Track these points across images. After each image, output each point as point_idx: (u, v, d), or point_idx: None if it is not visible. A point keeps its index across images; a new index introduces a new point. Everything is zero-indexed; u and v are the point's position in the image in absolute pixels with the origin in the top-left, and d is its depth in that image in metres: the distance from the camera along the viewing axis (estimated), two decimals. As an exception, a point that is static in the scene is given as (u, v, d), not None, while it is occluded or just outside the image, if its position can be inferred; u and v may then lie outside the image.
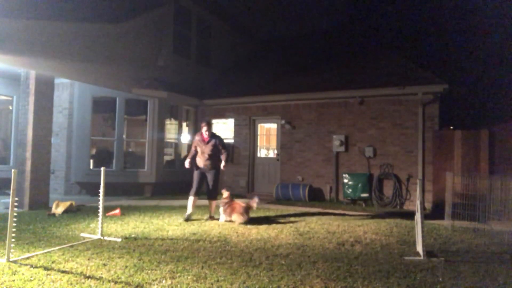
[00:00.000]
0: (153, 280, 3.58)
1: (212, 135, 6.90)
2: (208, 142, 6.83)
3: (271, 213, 7.72)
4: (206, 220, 6.84)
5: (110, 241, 5.07)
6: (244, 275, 3.79)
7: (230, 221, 6.58)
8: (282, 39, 14.84)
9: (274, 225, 6.46)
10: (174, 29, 11.03)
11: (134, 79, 10.11)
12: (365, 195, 9.28)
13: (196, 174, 6.94)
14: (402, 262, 4.33)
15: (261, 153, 11.82)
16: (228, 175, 11.52)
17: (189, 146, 12.13)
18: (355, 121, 9.85)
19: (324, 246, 5.04)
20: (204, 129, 6.81)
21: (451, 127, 10.41)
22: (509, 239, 5.51)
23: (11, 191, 4.15)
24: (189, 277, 3.68)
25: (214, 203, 6.96)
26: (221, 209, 6.74)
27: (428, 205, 8.71)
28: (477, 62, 18.25)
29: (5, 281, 3.51)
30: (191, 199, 6.81)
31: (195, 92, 11.69)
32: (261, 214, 7.62)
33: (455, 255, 4.71)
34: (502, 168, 7.37)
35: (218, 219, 6.78)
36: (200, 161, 6.91)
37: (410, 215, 7.67)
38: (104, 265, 4.02)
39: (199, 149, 6.90)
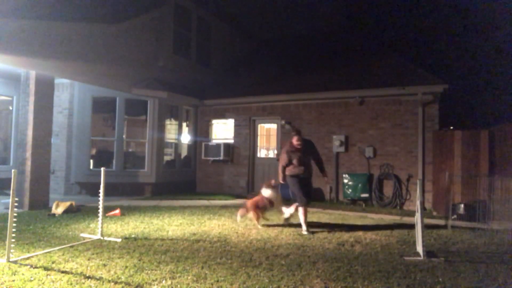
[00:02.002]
0: (153, 281, 3.58)
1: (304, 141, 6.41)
2: (305, 148, 6.38)
3: (271, 213, 7.71)
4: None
5: (110, 241, 5.07)
6: (244, 275, 3.79)
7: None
8: (282, 39, 14.83)
9: (274, 225, 6.46)
10: (174, 29, 11.02)
11: (134, 79, 10.11)
12: (365, 195, 9.28)
13: (297, 181, 6.30)
14: (402, 262, 4.33)
15: (261, 153, 11.82)
16: (228, 175, 11.52)
17: (190, 146, 12.16)
18: (355, 121, 9.85)
19: (324, 246, 5.04)
20: (295, 138, 6.28)
21: (451, 127, 10.40)
22: (509, 239, 5.51)
23: (11, 191, 4.15)
24: (189, 277, 3.68)
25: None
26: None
27: (428, 205, 8.71)
28: (477, 62, 18.26)
29: (5, 281, 3.51)
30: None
31: (195, 92, 11.69)
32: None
33: (455, 255, 4.71)
34: (502, 168, 7.36)
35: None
36: (299, 169, 6.29)
37: (410, 215, 7.68)
38: (104, 265, 4.02)
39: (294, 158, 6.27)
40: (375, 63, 10.61)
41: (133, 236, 5.41)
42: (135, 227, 6.06)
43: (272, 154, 11.88)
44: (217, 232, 5.82)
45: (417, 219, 4.81)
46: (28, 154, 7.71)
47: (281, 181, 6.42)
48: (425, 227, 5.53)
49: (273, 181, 6.66)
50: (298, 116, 10.61)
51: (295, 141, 6.29)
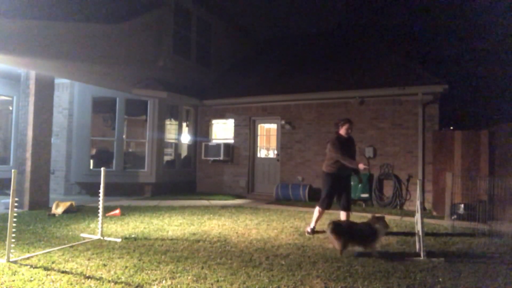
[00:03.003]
0: (153, 281, 3.58)
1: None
2: (351, 142, 5.85)
3: (271, 214, 7.72)
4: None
5: (110, 241, 5.07)
6: (244, 275, 3.79)
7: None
8: (282, 39, 14.84)
9: (274, 225, 6.46)
10: (174, 29, 11.02)
11: (134, 79, 10.11)
12: (365, 195, 9.28)
13: (333, 181, 5.73)
14: (402, 262, 4.33)
15: (261, 153, 11.82)
16: (228, 175, 11.52)
17: (190, 146, 12.16)
18: (355, 121, 9.76)
19: (324, 246, 5.04)
20: (346, 126, 5.68)
21: (451, 128, 10.41)
22: (509, 240, 5.51)
23: (11, 191, 4.15)
24: (189, 278, 3.68)
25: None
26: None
27: (428, 205, 8.71)
28: (477, 62, 18.26)
29: (5, 281, 3.51)
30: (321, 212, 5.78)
31: (195, 92, 11.69)
32: (261, 214, 7.62)
33: (455, 255, 4.70)
34: (502, 168, 7.36)
35: None
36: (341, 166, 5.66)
37: (410, 215, 7.68)
38: (104, 265, 4.02)
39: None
40: (375, 63, 10.61)
41: (133, 236, 5.41)
42: (135, 227, 6.06)
43: (272, 154, 11.88)
44: (217, 232, 5.82)
45: (417, 219, 4.81)
46: (28, 154, 7.71)
47: (362, 167, 5.36)
48: (425, 227, 5.53)
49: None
50: (298, 116, 10.62)
51: (345, 129, 5.61)
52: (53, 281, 3.52)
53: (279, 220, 6.93)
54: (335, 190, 5.76)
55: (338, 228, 4.66)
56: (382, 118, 9.53)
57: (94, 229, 5.72)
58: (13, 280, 3.53)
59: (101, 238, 5.18)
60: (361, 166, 5.41)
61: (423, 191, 8.57)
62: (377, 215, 4.90)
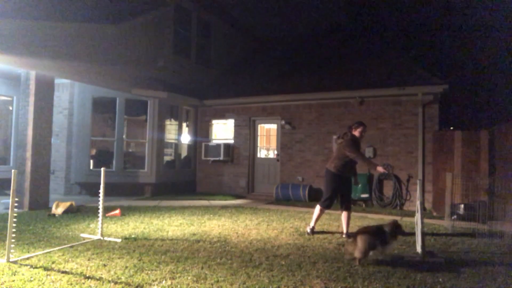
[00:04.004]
0: (153, 281, 3.58)
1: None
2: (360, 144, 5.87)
3: (271, 214, 7.72)
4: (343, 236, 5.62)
5: (110, 241, 5.07)
6: (244, 275, 3.79)
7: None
8: (282, 39, 14.84)
9: (274, 225, 6.46)
10: (174, 30, 11.03)
11: (134, 79, 10.11)
12: (365, 195, 9.28)
13: (339, 182, 5.69)
14: (402, 262, 4.33)
15: (261, 153, 11.82)
16: (228, 175, 11.52)
17: (190, 147, 12.15)
18: (355, 121, 9.82)
19: (324, 246, 5.04)
20: (360, 128, 5.74)
21: (451, 128, 10.40)
22: (509, 240, 5.51)
23: (11, 192, 4.15)
24: (189, 278, 3.68)
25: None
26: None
27: (428, 206, 8.71)
28: (477, 62, 18.26)
29: (5, 281, 3.51)
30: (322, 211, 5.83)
31: (195, 92, 11.69)
32: (261, 214, 7.62)
33: (455, 255, 4.71)
34: (502, 168, 7.36)
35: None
36: (352, 167, 5.77)
37: (410, 216, 7.68)
38: (104, 265, 4.02)
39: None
40: (375, 63, 10.61)
41: (133, 236, 5.41)
42: (135, 227, 6.06)
43: (272, 154, 11.88)
44: (217, 232, 5.82)
45: (417, 219, 4.80)
46: (28, 154, 7.72)
47: (381, 169, 5.43)
48: (425, 227, 5.53)
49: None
50: (298, 116, 10.62)
51: (359, 131, 5.68)
52: (53, 281, 3.52)
53: (279, 220, 6.93)
54: (339, 191, 5.80)
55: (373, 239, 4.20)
56: (382, 118, 9.53)
57: (94, 229, 5.72)
58: (13, 280, 3.53)
59: (101, 238, 5.18)
60: (379, 169, 5.45)
61: (423, 191, 8.57)
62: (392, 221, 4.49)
